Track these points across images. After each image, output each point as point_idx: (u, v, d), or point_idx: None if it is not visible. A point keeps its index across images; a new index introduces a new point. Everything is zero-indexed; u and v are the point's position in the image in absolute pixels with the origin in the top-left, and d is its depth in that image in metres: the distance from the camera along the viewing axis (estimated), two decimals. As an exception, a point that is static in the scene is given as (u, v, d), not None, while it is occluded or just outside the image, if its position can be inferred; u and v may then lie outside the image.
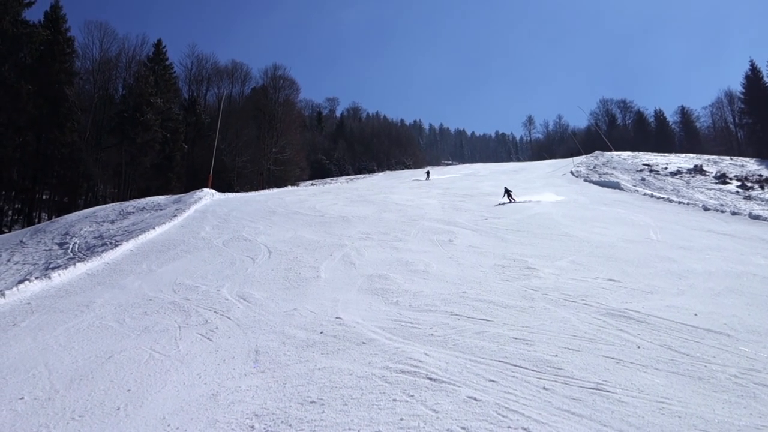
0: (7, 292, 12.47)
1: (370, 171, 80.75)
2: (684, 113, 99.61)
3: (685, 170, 38.04)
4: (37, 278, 13.86)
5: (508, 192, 27.27)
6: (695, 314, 9.32)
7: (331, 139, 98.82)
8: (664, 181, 34.06)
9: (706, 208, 22.38)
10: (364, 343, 8.39)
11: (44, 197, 47.51)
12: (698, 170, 37.62)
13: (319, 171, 79.84)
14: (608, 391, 6.42)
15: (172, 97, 58.62)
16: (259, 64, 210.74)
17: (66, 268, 14.97)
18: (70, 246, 19.02)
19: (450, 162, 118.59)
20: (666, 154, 52.10)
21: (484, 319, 9.37)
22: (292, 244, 16.79)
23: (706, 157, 48.10)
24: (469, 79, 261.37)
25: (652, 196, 26.88)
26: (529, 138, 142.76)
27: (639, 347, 7.87)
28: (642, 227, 17.95)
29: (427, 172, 55.78)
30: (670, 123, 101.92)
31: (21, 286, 13.00)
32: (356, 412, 6.09)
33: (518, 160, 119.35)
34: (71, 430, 6.11)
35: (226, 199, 29.95)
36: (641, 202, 25.10)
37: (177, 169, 53.82)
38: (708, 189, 30.70)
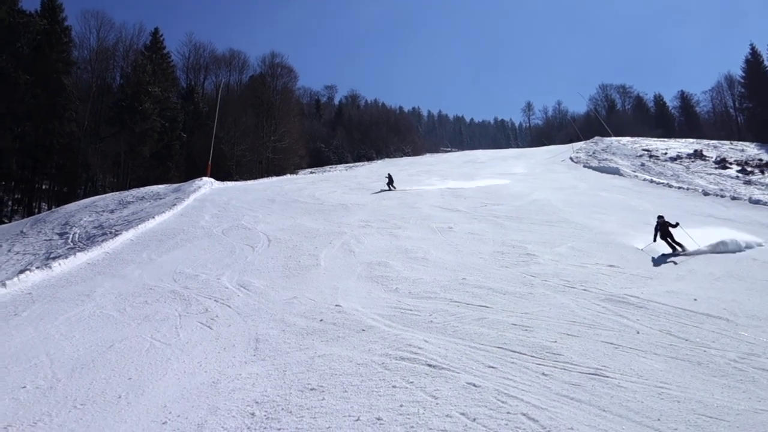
0: (8, 282, 12.50)
1: (369, 159, 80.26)
2: (684, 98, 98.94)
3: (684, 155, 37.95)
4: (37, 268, 13.89)
5: (390, 179, 28.84)
6: (695, 299, 9.35)
7: (329, 127, 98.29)
8: (664, 166, 33.98)
9: (706, 193, 22.37)
10: (363, 330, 8.43)
11: (44, 187, 47.37)
12: (698, 155, 37.55)
13: (318, 159, 79.48)
14: (607, 377, 6.46)
15: (170, 86, 58.17)
16: (256, 52, 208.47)
17: (66, 257, 14.99)
18: (70, 236, 19.03)
19: (449, 149, 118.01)
20: (666, 140, 51.99)
21: (483, 306, 9.41)
22: (291, 233, 16.79)
23: (706, 141, 47.97)
24: (468, 66, 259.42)
25: (651, 181, 26.86)
26: (528, 124, 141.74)
27: (638, 333, 7.91)
28: (642, 213, 17.94)
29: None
30: (670, 108, 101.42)
31: (22, 276, 13.03)
32: (356, 398, 6.13)
33: (517, 146, 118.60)
34: (73, 419, 6.15)
35: (225, 188, 29.95)
36: (641, 188, 25.08)
37: (176, 158, 53.59)
38: (708, 174, 30.64)
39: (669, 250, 12.93)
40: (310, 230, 17.02)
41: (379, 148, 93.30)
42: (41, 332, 9.37)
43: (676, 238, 13.12)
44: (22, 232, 21.16)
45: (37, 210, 41.79)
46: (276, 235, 16.47)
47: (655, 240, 13.18)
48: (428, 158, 63.62)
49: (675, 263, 12.02)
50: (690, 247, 13.04)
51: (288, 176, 45.43)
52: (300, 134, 71.80)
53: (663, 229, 13.22)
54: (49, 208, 35.91)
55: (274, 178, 41.14)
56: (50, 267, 13.94)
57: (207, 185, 28.77)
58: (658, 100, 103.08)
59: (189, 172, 48.90)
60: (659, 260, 12.11)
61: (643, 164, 34.93)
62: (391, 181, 29.27)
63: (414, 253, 13.70)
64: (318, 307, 9.86)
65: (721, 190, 24.07)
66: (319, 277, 12.06)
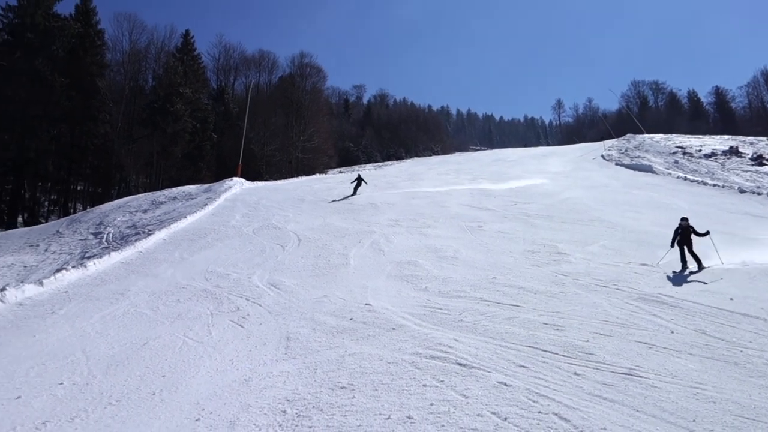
0: (45, 281, 12.79)
1: (398, 158, 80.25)
2: (718, 94, 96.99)
3: (719, 152, 37.02)
4: (73, 267, 14.19)
5: (358, 181, 26.04)
6: (731, 298, 9.15)
7: (358, 126, 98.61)
8: (698, 163, 33.24)
9: (742, 191, 21.85)
10: (393, 329, 8.44)
11: (79, 188, 48.47)
12: (734, 152, 36.58)
13: (347, 158, 79.74)
14: (641, 377, 6.36)
15: (201, 87, 59.03)
16: (285, 52, 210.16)
17: (101, 257, 15.29)
18: (105, 235, 19.41)
19: (478, 147, 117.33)
20: (700, 136, 50.78)
21: (514, 305, 9.35)
22: (321, 232, 16.88)
23: (741, 138, 46.66)
24: (497, 64, 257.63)
25: (685, 179, 26.30)
26: (558, 122, 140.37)
27: (672, 332, 7.77)
28: (675, 211, 17.59)
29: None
30: (704, 104, 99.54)
31: (58, 274, 13.33)
32: (386, 397, 6.13)
33: (548, 144, 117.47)
34: (109, 415, 6.27)
35: (255, 188, 30.23)
36: (674, 186, 24.59)
37: (207, 159, 54.27)
38: (744, 171, 29.84)
39: (692, 266, 11.20)
40: (339, 229, 17.09)
41: (408, 147, 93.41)
42: (77, 330, 9.57)
43: (696, 252, 11.24)
44: (58, 231, 21.65)
45: (72, 210, 42.74)
46: (306, 235, 16.58)
47: (672, 245, 11.50)
48: (457, 157, 63.14)
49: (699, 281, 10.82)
50: (708, 263, 11.21)
51: (317, 176, 45.65)
52: (329, 134, 72.22)
53: (684, 234, 11.42)
54: (84, 209, 36.66)
55: (304, 178, 41.40)
56: (85, 266, 14.23)
57: (237, 185, 29.10)
58: (692, 96, 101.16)
59: (220, 172, 49.47)
60: (676, 278, 10.80)
61: (676, 161, 34.24)
62: (359, 184, 25.94)
63: (443, 252, 13.67)
64: (348, 305, 9.90)
65: (758, 187, 23.45)
66: (349, 276, 12.11)
